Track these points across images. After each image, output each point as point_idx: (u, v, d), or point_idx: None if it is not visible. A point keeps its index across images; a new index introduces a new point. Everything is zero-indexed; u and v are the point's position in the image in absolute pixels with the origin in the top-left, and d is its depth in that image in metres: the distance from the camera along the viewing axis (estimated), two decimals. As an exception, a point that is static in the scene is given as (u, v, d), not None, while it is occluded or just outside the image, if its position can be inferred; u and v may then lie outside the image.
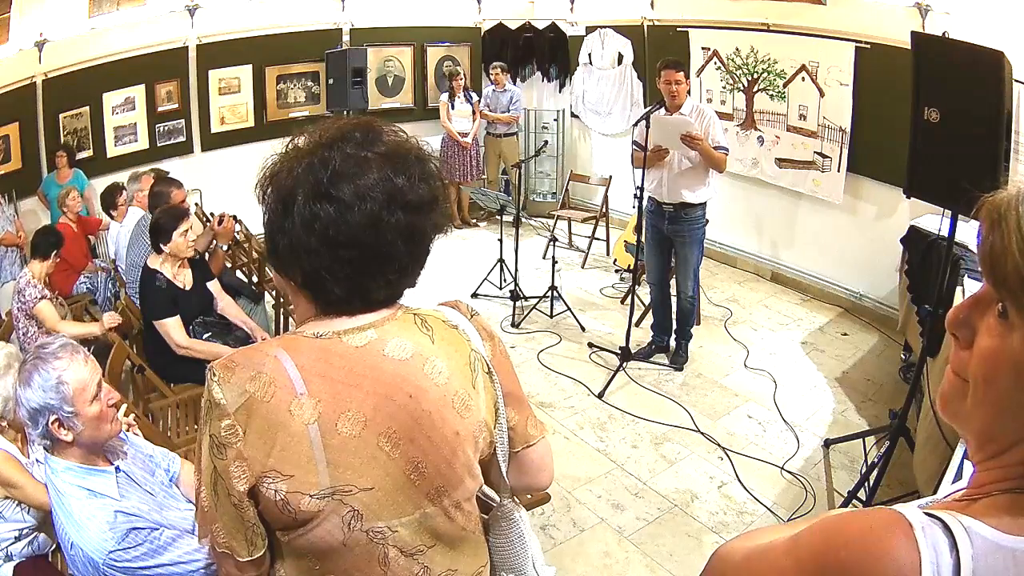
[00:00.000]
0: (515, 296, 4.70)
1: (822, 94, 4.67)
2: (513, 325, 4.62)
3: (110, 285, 4.42)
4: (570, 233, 6.31)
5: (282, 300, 4.04)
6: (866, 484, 2.77)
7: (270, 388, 0.89)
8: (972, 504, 0.57)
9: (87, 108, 5.22)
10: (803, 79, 4.77)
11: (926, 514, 0.54)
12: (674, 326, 4.12)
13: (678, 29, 5.54)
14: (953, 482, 1.60)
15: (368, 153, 0.92)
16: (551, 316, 4.70)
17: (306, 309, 0.98)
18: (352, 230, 0.89)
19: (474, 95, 6.53)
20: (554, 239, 4.69)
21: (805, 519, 0.70)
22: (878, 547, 0.53)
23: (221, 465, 0.89)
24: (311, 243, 0.89)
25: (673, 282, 4.11)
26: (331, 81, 6.13)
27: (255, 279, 4.45)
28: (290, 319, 3.90)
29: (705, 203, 3.80)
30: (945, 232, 2.66)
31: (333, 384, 0.91)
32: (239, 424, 0.88)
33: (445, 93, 6.51)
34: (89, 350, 1.63)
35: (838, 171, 4.70)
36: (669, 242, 3.93)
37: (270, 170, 0.94)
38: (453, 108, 6.44)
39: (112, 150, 5.42)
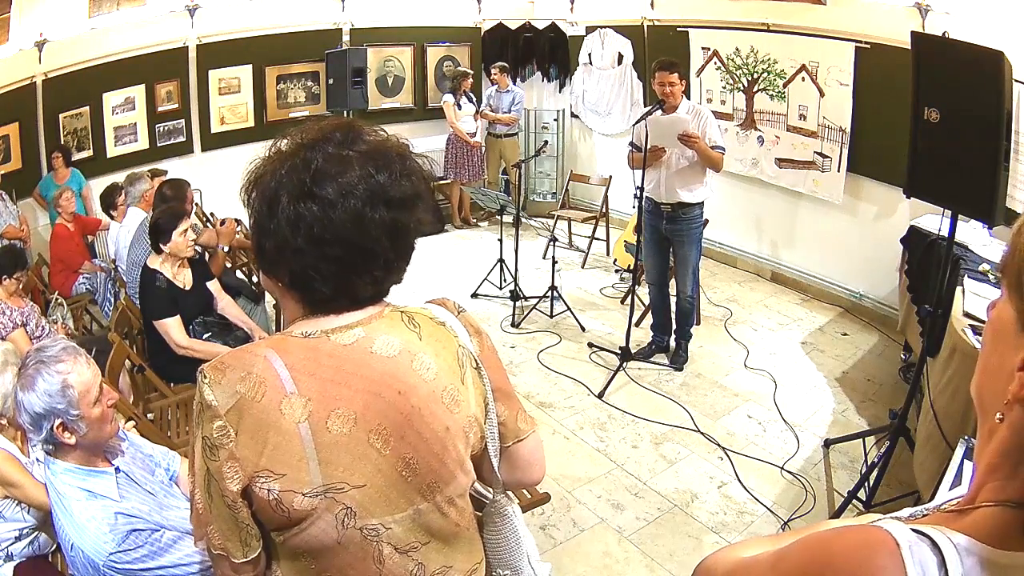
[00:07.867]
0: (515, 296, 4.70)
1: (822, 94, 4.67)
2: (513, 325, 4.62)
3: (110, 285, 4.42)
4: (570, 233, 6.31)
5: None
6: (866, 484, 2.77)
7: (260, 388, 0.89)
8: (963, 517, 0.56)
9: (87, 108, 5.22)
10: (803, 79, 4.76)
11: (913, 530, 0.54)
12: (674, 326, 4.12)
13: (678, 29, 5.54)
14: (952, 481, 1.60)
15: (349, 152, 0.93)
16: (551, 316, 4.70)
17: (294, 309, 0.99)
18: (336, 228, 0.90)
19: (472, 96, 6.52)
20: (554, 239, 4.68)
21: (792, 532, 0.69)
22: (863, 567, 0.52)
23: (214, 466, 0.90)
24: (297, 243, 0.90)
25: (673, 282, 4.11)
26: (331, 81, 6.13)
27: (255, 279, 4.45)
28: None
29: (702, 203, 3.80)
30: (945, 232, 2.65)
31: (322, 383, 0.91)
32: (231, 425, 0.89)
33: (449, 94, 6.41)
34: (90, 352, 1.62)
35: (838, 171, 4.70)
36: (668, 242, 3.92)
37: (254, 174, 0.96)
38: (460, 108, 6.42)
39: (112, 150, 5.43)
